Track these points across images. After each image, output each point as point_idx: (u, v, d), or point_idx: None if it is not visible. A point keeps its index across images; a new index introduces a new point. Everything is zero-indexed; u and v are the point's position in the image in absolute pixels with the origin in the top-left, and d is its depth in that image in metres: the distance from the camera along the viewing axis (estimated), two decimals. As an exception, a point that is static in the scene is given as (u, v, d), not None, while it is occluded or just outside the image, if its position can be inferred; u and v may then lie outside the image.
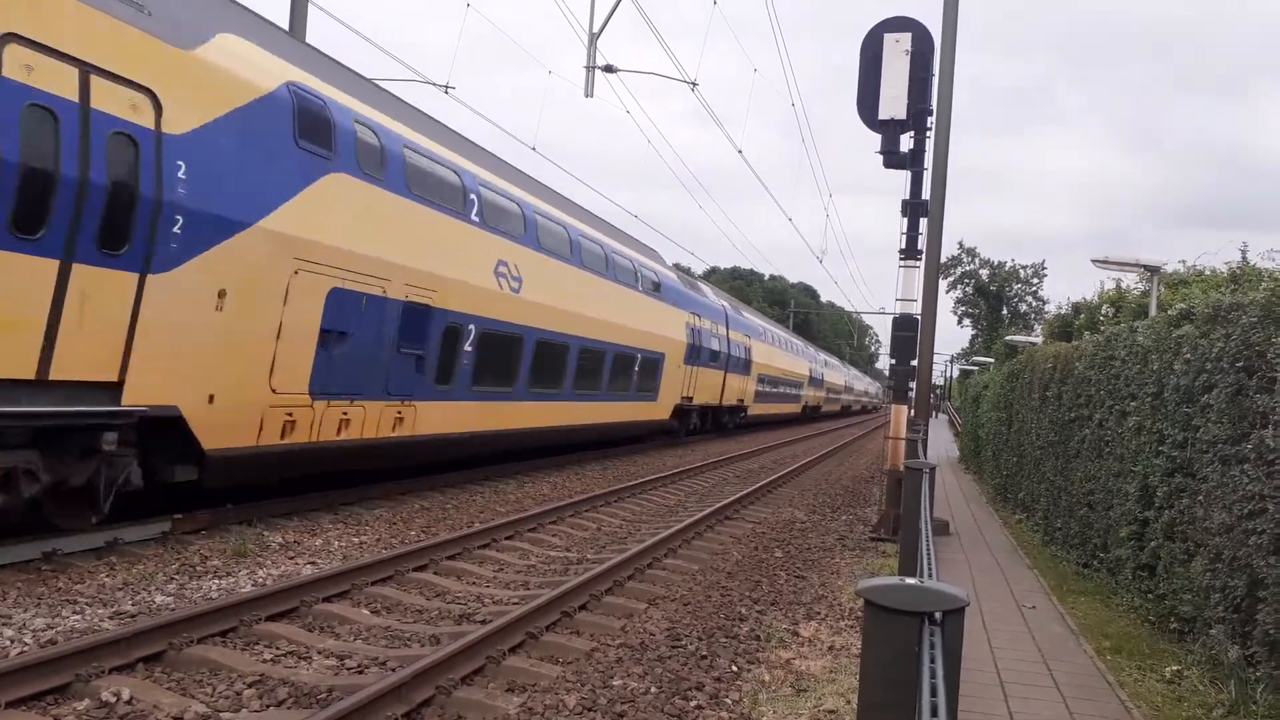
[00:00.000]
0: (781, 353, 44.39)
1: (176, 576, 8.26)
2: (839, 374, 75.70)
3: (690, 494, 16.85)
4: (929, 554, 4.52)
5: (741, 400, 35.46)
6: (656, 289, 23.97)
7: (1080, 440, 11.34)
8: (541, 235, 16.85)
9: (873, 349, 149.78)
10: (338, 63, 12.05)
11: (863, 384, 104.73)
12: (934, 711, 1.83)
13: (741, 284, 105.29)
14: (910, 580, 2.47)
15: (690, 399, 27.78)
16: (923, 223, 14.00)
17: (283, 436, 10.50)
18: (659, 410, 25.36)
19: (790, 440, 36.84)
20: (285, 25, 14.52)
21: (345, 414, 11.56)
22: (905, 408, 14.50)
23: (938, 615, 2.38)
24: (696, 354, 27.46)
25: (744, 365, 34.65)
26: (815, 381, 57.50)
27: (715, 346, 29.74)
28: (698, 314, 27.84)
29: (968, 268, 65.66)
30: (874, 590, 2.44)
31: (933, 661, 2.11)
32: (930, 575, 4.08)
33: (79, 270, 7.70)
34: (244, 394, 9.79)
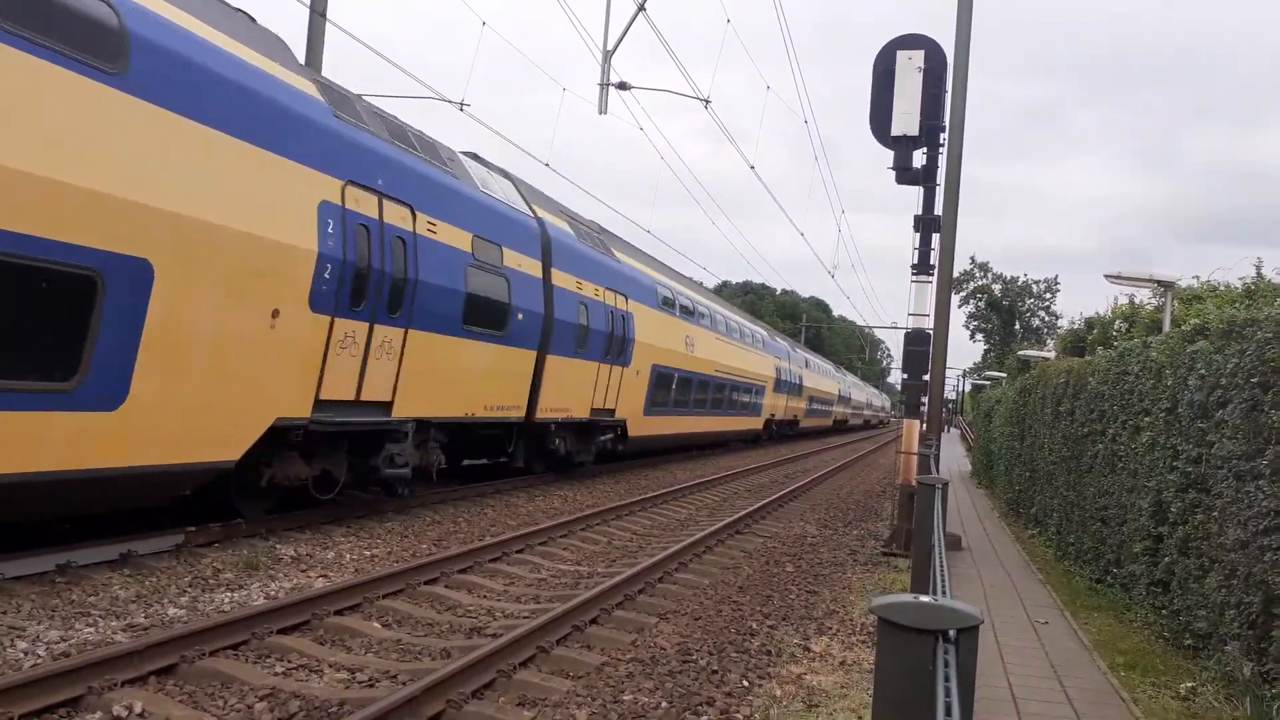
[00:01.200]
0: (714, 337, 28.40)
1: (189, 589, 8.28)
2: (828, 380, 58.80)
3: (701, 508, 16.82)
4: (942, 570, 4.51)
5: (611, 410, 20.13)
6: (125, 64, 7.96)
7: (1093, 455, 11.28)
8: None
9: (884, 363, 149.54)
10: None
11: (865, 394, 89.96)
12: (948, 730, 1.82)
13: (754, 298, 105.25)
14: (924, 598, 2.47)
15: (381, 403, 11.95)
16: (935, 238, 14.00)
17: None
18: (95, 442, 8.06)
19: (799, 455, 36.75)
20: (303, 43, 14.63)
21: None
22: (918, 422, 14.46)
23: (951, 633, 2.38)
24: (394, 294, 11.78)
25: (611, 347, 19.31)
26: (786, 386, 41.83)
27: (493, 293, 14.39)
28: (409, 202, 12.19)
29: (980, 283, 65.68)
30: (888, 608, 2.44)
31: (947, 680, 2.11)
32: (944, 592, 4.07)
33: None
34: None
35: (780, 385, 40.07)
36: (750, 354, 34.13)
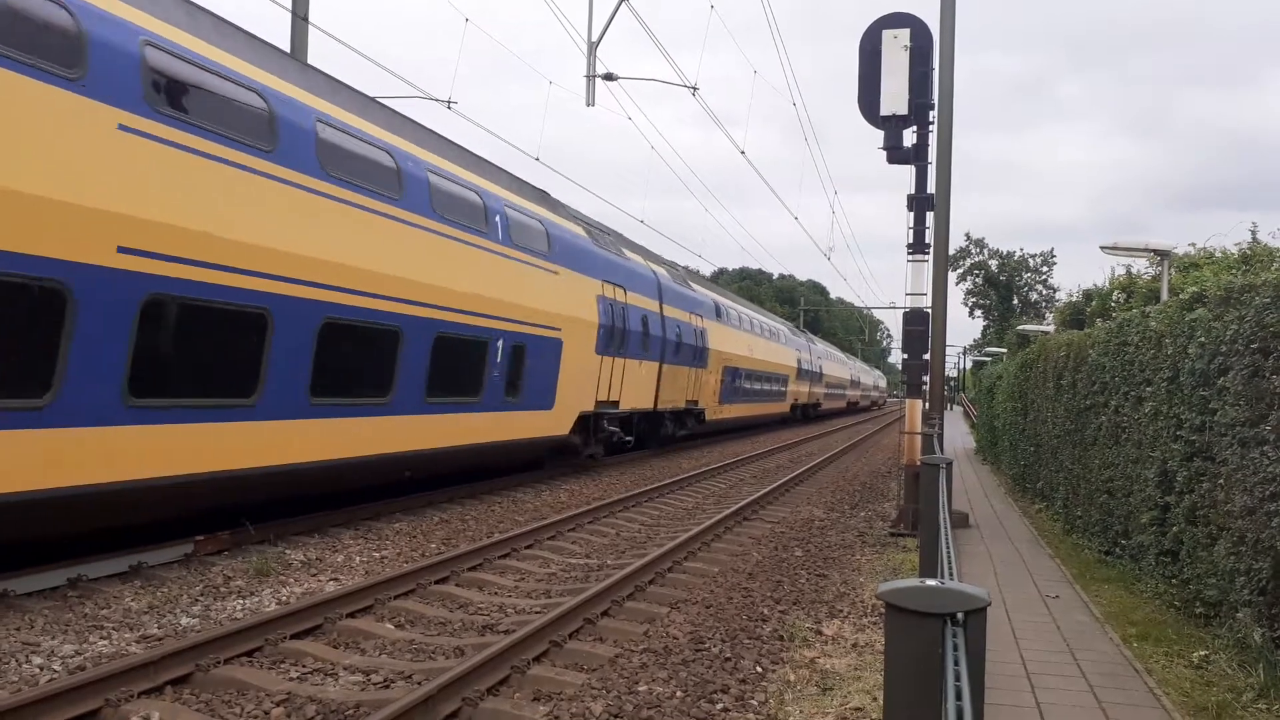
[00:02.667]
0: (280, 189, 9.67)
1: (201, 598, 8.31)
2: (775, 345, 40.26)
3: (708, 496, 16.85)
4: (949, 552, 4.52)
5: None
6: None
7: (1097, 427, 11.29)
8: None
9: (884, 344, 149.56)
10: None
11: (848, 370, 71.07)
12: (959, 715, 1.83)
13: (750, 284, 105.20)
14: (930, 581, 2.47)
15: None
16: (929, 216, 13.99)
17: None
18: None
19: (803, 439, 36.76)
20: (286, 47, 14.60)
21: None
22: (920, 402, 14.47)
23: (959, 615, 2.39)
24: None
25: None
26: (656, 345, 22.54)
27: None
28: None
29: (976, 259, 65.70)
30: (894, 592, 2.44)
31: (956, 664, 2.12)
32: (950, 575, 4.08)
33: None
34: None
35: (620, 340, 19.94)
36: (527, 273, 15.59)
